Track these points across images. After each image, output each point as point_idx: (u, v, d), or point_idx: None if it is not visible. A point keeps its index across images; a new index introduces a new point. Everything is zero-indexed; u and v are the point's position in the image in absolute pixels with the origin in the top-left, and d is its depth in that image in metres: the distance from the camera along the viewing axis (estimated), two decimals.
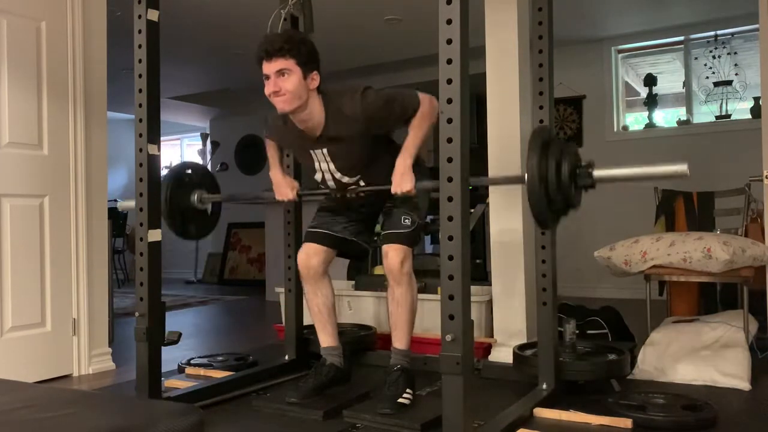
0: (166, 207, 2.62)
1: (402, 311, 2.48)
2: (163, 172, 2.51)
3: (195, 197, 2.75)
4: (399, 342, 2.52)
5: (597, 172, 2.11)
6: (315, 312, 2.66)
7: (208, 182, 2.84)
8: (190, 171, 2.82)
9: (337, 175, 2.50)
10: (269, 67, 2.31)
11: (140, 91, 2.43)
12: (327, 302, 2.66)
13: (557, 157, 2.07)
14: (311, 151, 2.48)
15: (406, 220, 2.50)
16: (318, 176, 2.56)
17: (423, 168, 2.64)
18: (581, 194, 2.18)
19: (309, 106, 2.36)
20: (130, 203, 2.53)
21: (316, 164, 2.51)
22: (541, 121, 2.65)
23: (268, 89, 2.33)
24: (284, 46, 2.29)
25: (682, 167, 1.96)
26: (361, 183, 2.52)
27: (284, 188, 2.63)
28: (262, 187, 7.36)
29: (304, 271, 2.64)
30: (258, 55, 2.33)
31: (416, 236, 2.52)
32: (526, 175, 2.05)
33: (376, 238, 2.75)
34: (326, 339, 2.68)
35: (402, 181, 2.30)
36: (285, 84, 2.30)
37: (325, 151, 2.45)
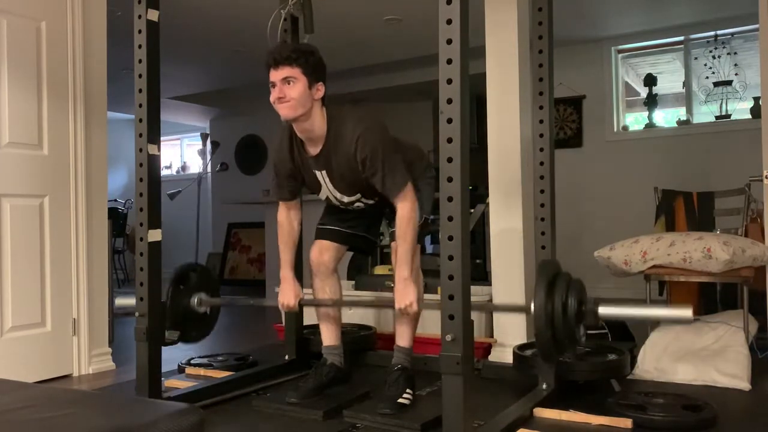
0: (168, 311, 2.54)
1: None
2: (164, 172, 2.50)
3: (194, 300, 2.65)
4: (402, 340, 2.53)
5: (602, 310, 2.08)
6: (322, 310, 2.67)
7: (209, 284, 2.74)
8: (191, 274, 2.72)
9: (338, 195, 2.51)
10: (276, 75, 2.32)
11: (140, 91, 2.43)
12: (334, 299, 2.67)
13: (563, 295, 2.07)
14: (314, 171, 2.48)
15: None
16: (323, 195, 2.57)
17: (429, 166, 2.64)
18: (585, 331, 2.18)
19: (312, 116, 2.35)
20: (130, 301, 2.50)
21: (322, 186, 2.52)
22: (541, 122, 2.65)
23: (274, 96, 2.33)
24: (291, 55, 2.30)
25: (686, 313, 1.92)
26: (363, 200, 2.53)
27: (289, 294, 2.56)
28: (261, 187, 7.37)
29: (316, 267, 2.66)
30: (266, 62, 2.34)
31: (423, 232, 2.54)
32: (532, 306, 2.06)
33: (381, 237, 2.76)
34: (329, 337, 2.69)
35: (404, 295, 2.27)
36: (290, 91, 2.30)
37: (324, 173, 2.46)
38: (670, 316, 2.00)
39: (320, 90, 2.36)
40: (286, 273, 2.59)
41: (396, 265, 2.36)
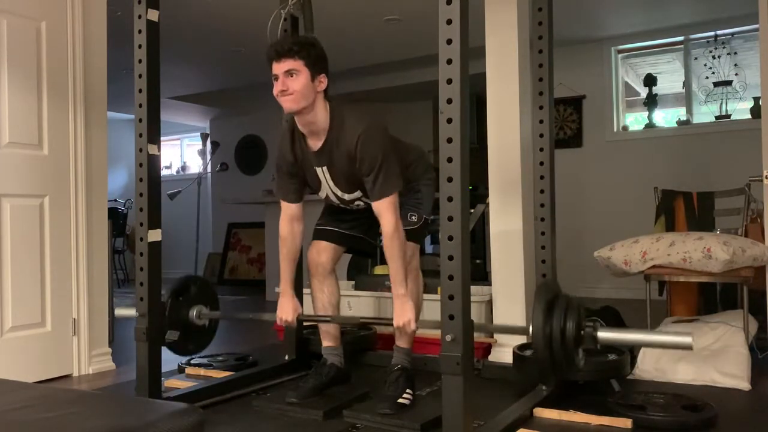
0: (166, 321, 2.54)
1: None
2: (164, 172, 2.51)
3: (193, 313, 2.64)
4: (402, 341, 2.53)
5: (601, 335, 2.07)
6: (319, 309, 2.67)
7: (208, 296, 2.74)
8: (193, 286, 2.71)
9: (339, 193, 2.51)
10: (278, 67, 2.32)
11: (140, 91, 2.43)
12: (332, 300, 2.67)
13: (562, 319, 2.06)
14: (315, 168, 2.48)
15: (413, 217, 2.52)
16: (323, 193, 2.57)
17: (429, 167, 2.64)
18: (584, 355, 2.17)
19: (315, 108, 2.35)
20: (130, 311, 2.50)
21: (322, 183, 2.52)
22: (541, 122, 2.65)
23: (276, 89, 2.34)
24: (294, 48, 2.30)
25: (686, 339, 1.91)
26: (364, 199, 2.52)
27: (288, 310, 2.56)
28: (261, 187, 7.37)
29: (314, 268, 2.65)
30: (268, 55, 2.34)
31: (423, 232, 2.55)
32: (530, 329, 2.06)
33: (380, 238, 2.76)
34: (328, 338, 2.68)
35: (402, 313, 2.28)
36: (293, 84, 2.31)
37: (324, 169, 2.45)
38: (671, 343, 2.00)
39: (323, 82, 2.36)
40: (286, 288, 2.58)
41: (391, 281, 2.35)
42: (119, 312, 2.67)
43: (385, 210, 2.31)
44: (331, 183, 2.49)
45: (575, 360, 2.10)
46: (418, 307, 2.51)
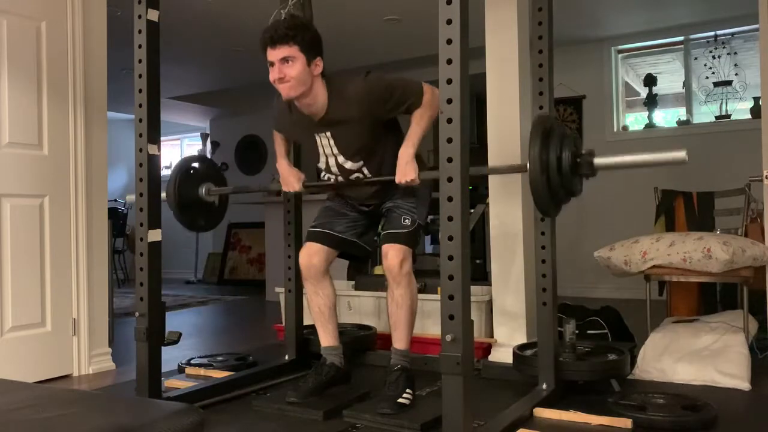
0: (174, 199, 2.68)
1: (401, 312, 2.48)
2: (164, 172, 2.52)
3: (203, 190, 2.80)
4: (399, 342, 2.52)
5: (597, 161, 2.15)
6: (316, 312, 2.66)
7: (215, 175, 2.90)
8: (197, 164, 2.87)
9: (340, 159, 2.51)
10: (274, 54, 2.33)
11: (140, 91, 2.43)
12: (328, 302, 2.66)
13: (558, 146, 2.12)
14: (315, 136, 2.49)
15: (406, 220, 2.51)
16: (322, 163, 2.57)
17: (424, 167, 2.64)
18: (582, 182, 2.23)
19: (313, 90, 2.39)
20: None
21: (320, 149, 2.53)
22: None
23: (273, 76, 2.34)
24: (288, 33, 2.31)
25: (680, 154, 1.99)
26: (365, 170, 2.53)
27: (291, 179, 2.67)
28: (262, 186, 7.33)
29: (306, 271, 2.64)
30: (262, 42, 2.35)
31: (416, 236, 2.53)
32: (528, 164, 2.09)
33: (376, 239, 2.75)
34: (327, 339, 2.68)
35: (406, 170, 2.33)
36: (289, 71, 2.32)
37: (328, 134, 2.47)
38: (665, 159, 2.04)
39: (319, 65, 2.39)
40: (282, 162, 2.71)
41: (406, 138, 2.39)
42: (129, 198, 2.81)
43: (423, 93, 2.38)
44: (335, 149, 2.50)
45: (572, 185, 2.16)
46: (413, 312, 2.51)
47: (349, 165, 2.52)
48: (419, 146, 2.41)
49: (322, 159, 2.55)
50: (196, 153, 8.92)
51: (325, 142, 2.50)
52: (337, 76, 2.45)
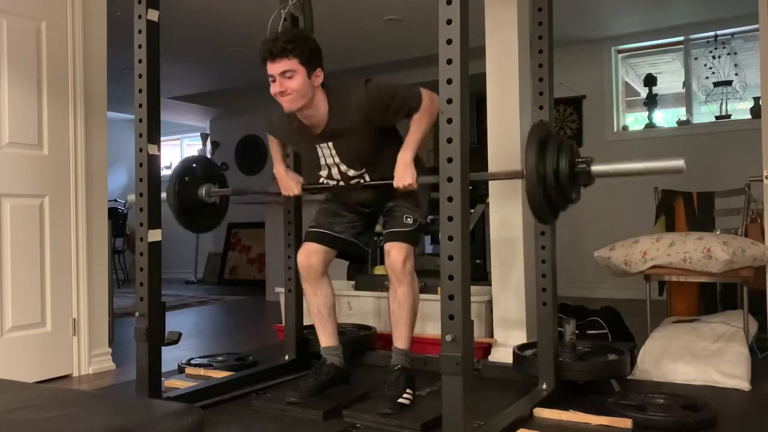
0: (174, 201, 2.68)
1: (403, 311, 2.48)
2: (164, 172, 2.52)
3: (203, 191, 2.80)
4: (400, 342, 2.52)
5: (595, 168, 2.13)
6: (315, 312, 2.66)
7: (215, 176, 2.89)
8: (195, 165, 2.86)
9: (343, 168, 2.51)
10: (274, 68, 2.33)
11: (140, 91, 2.43)
12: (327, 302, 2.66)
13: (555, 156, 2.09)
14: (317, 146, 2.49)
15: (408, 219, 2.51)
16: (324, 172, 2.56)
17: (423, 168, 2.64)
18: (580, 190, 2.21)
19: (314, 101, 2.40)
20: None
21: (322, 160, 2.53)
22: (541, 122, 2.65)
23: (274, 89, 2.34)
24: (287, 47, 2.31)
25: (678, 163, 1.98)
26: (367, 177, 2.53)
27: (290, 183, 2.67)
28: (261, 187, 7.34)
29: (304, 271, 2.64)
30: (262, 56, 2.34)
31: (418, 235, 2.54)
32: (525, 171, 2.07)
33: (376, 238, 2.75)
34: (326, 339, 2.68)
35: (404, 175, 2.33)
36: (290, 84, 2.32)
37: (330, 144, 2.47)
38: (663, 168, 2.03)
39: (319, 76, 2.39)
40: (280, 167, 2.71)
41: (405, 142, 2.39)
42: (129, 198, 2.84)
43: (422, 99, 2.38)
44: (336, 159, 2.50)
45: (569, 193, 2.15)
46: (414, 311, 2.51)
47: (351, 173, 2.53)
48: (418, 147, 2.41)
49: (324, 170, 2.56)
50: (196, 153, 8.93)
51: (326, 153, 2.50)
52: (337, 86, 2.44)
